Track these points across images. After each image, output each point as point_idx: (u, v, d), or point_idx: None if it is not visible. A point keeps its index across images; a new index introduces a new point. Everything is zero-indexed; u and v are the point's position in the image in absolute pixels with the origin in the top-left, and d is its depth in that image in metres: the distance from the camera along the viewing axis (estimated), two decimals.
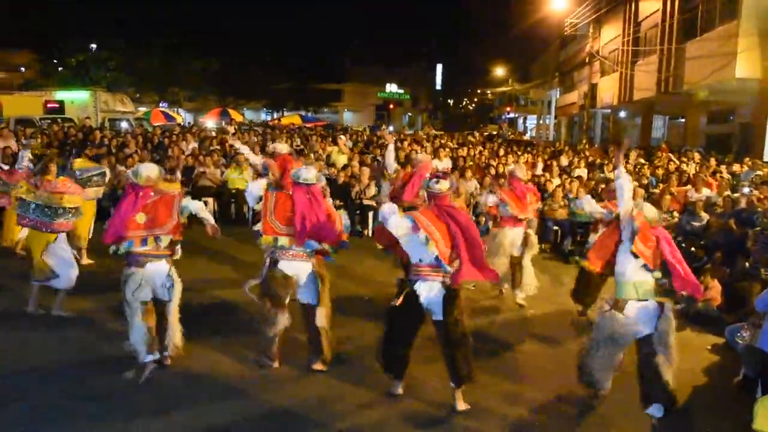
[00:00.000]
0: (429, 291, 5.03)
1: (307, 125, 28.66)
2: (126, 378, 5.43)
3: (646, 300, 4.97)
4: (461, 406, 5.13)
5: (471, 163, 14.42)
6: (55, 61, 44.80)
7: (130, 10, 38.35)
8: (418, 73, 68.48)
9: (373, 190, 12.06)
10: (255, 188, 5.87)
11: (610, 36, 29.86)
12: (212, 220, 5.86)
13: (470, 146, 18.93)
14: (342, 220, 5.78)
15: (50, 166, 6.91)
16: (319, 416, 4.99)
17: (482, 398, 5.32)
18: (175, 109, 39.36)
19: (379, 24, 65.69)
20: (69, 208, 6.72)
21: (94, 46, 41.25)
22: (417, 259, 5.07)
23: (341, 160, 13.54)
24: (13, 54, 60.60)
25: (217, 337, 6.40)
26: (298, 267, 5.61)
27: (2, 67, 63.02)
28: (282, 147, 7.73)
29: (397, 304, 5.09)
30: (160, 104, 40.61)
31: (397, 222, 4.98)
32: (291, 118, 30.83)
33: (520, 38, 49.42)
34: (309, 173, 5.68)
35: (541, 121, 50.25)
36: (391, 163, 8.31)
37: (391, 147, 8.46)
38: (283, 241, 5.57)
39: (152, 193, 5.54)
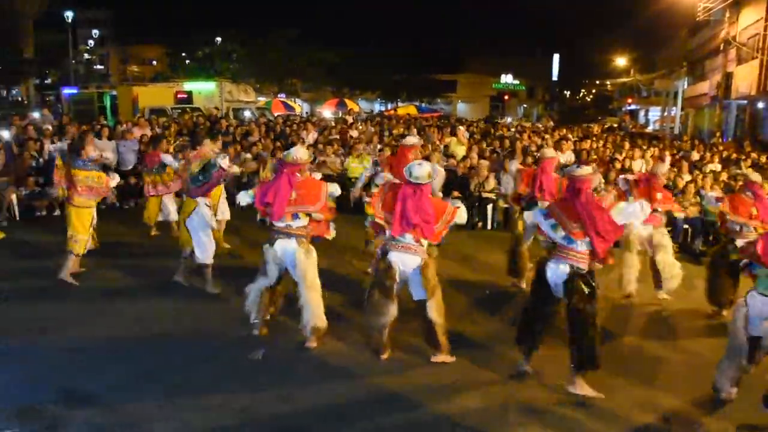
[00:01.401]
0: (556, 270, 5.18)
1: (423, 116, 28.62)
2: (252, 358, 5.62)
3: None
4: (578, 389, 5.15)
5: (594, 156, 13.87)
6: (183, 54, 47.24)
7: (254, 3, 39.88)
8: (535, 63, 66.77)
9: (492, 183, 11.83)
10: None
11: (750, 20, 27.73)
12: None
13: (593, 139, 18.21)
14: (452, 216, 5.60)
15: (206, 142, 7.46)
16: (432, 404, 4.96)
17: (612, 403, 5.07)
18: (293, 99, 40.49)
19: (496, 13, 64.62)
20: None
21: (219, 39, 43.18)
22: (558, 240, 5.26)
23: (460, 151, 13.38)
24: (145, 49, 64.95)
25: (337, 323, 6.47)
26: (406, 259, 5.52)
27: (136, 61, 67.76)
28: (411, 139, 7.68)
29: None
30: (279, 95, 41.93)
31: (533, 221, 5.55)
32: (407, 109, 30.93)
33: (644, 26, 46.98)
34: (421, 171, 5.48)
35: (665, 113, 47.68)
36: None
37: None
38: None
39: (299, 174, 5.84)
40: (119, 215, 11.33)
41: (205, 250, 7.18)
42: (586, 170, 5.33)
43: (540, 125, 25.80)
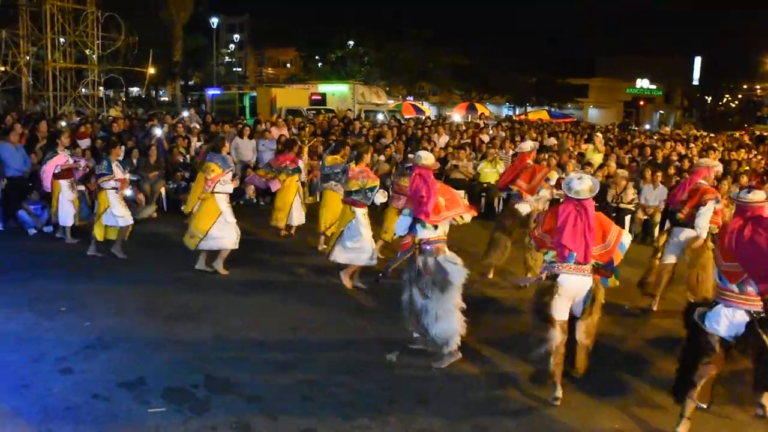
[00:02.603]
0: (731, 317, 4.44)
1: (556, 121, 27.83)
2: (388, 359, 5.64)
3: None
4: None
5: (746, 167, 12.88)
6: (316, 57, 48.79)
7: (384, 7, 40.64)
8: (673, 67, 63.21)
9: (630, 194, 11.28)
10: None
11: None
12: None
13: (746, 148, 16.94)
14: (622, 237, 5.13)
15: (365, 156, 7.65)
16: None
17: None
18: (422, 102, 40.75)
19: (633, 13, 61.66)
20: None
21: (351, 42, 44.27)
22: (721, 281, 4.56)
23: (597, 159, 12.86)
24: (280, 52, 67.79)
25: (474, 332, 6.39)
26: (578, 281, 5.01)
27: (271, 63, 70.79)
28: (526, 146, 7.41)
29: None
30: (407, 97, 42.34)
31: None
32: (538, 114, 30.13)
33: None
34: (582, 185, 4.97)
35: None
36: None
37: None
38: (551, 254, 5.10)
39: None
40: (256, 211, 11.80)
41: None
42: (758, 195, 4.51)
43: (680, 132, 24.28)
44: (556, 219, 5.00)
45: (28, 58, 20.81)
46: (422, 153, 5.89)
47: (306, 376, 5.30)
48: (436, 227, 5.63)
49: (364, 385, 5.18)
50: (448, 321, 5.52)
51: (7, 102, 23.14)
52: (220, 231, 7.76)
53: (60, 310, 6.53)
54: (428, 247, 5.63)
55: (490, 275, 8.39)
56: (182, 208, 9.74)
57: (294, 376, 5.32)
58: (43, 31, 20.20)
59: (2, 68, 21.40)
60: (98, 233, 8.39)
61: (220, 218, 7.76)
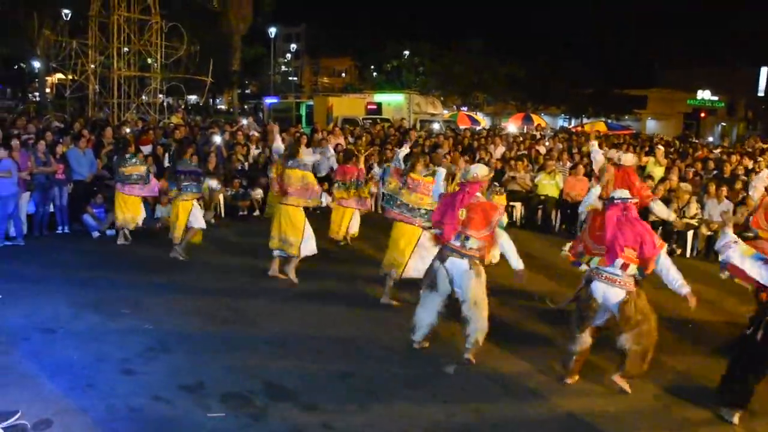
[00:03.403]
0: None
1: (616, 133, 27.12)
2: (446, 372, 5.61)
3: None
4: None
5: None
6: (371, 66, 49.13)
7: (443, 16, 40.66)
8: (737, 77, 61.13)
9: (693, 209, 10.92)
10: (591, 197, 5.70)
11: None
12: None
13: None
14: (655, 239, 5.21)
15: (417, 166, 7.22)
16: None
17: None
18: (476, 113, 40.56)
19: (693, 21, 59.92)
20: (425, 210, 6.96)
21: (407, 52, 44.43)
22: None
23: (658, 172, 12.51)
24: (335, 61, 68.59)
25: (520, 345, 6.32)
26: (610, 291, 5.18)
27: (327, 73, 71.63)
28: (628, 158, 7.25)
29: (757, 336, 4.68)
30: (461, 108, 42.20)
31: (740, 261, 4.75)
32: (596, 125, 29.45)
33: None
34: (625, 191, 5.36)
35: None
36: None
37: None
38: (596, 261, 5.30)
39: (479, 194, 5.70)
40: (312, 220, 11.84)
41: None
42: None
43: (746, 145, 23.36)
44: (602, 224, 5.20)
45: (94, 66, 21.54)
46: (473, 166, 5.98)
47: (363, 387, 5.29)
48: (467, 238, 5.63)
49: (422, 397, 5.15)
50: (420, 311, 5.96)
51: (74, 109, 23.98)
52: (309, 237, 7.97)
53: (122, 312, 6.69)
54: (446, 252, 5.75)
55: None
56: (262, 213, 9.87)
57: (351, 385, 5.32)
58: (110, 40, 20.90)
59: (71, 76, 22.20)
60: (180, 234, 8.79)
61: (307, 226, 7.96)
